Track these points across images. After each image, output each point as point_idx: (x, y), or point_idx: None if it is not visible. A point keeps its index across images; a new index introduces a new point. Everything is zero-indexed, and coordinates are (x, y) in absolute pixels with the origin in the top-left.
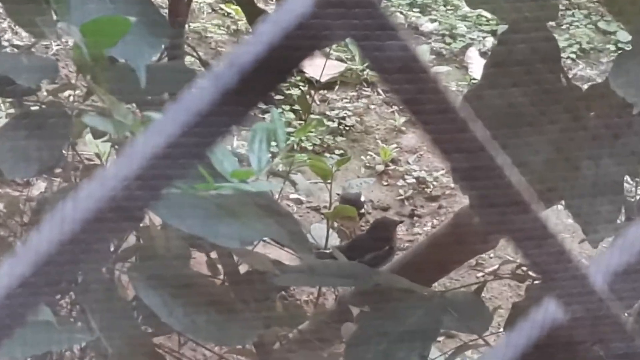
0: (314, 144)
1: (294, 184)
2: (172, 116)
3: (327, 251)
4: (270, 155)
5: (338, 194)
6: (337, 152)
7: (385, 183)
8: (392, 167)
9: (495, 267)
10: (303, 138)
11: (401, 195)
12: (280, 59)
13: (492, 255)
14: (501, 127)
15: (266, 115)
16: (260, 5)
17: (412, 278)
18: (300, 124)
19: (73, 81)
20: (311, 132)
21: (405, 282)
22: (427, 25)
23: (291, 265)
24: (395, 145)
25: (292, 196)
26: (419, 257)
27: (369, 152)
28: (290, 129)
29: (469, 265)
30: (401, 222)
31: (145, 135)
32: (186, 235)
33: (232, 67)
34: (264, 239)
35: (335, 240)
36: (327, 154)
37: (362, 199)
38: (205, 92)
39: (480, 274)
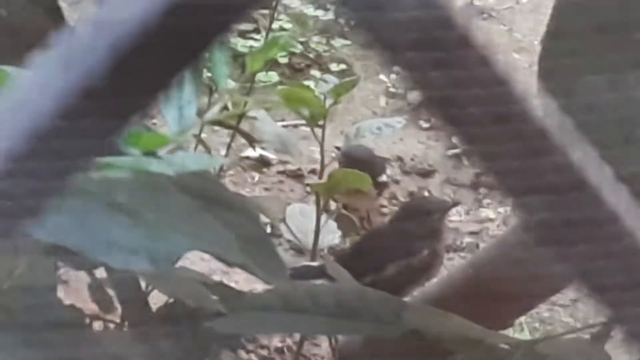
0: (291, 53)
1: (250, 139)
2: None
3: (316, 263)
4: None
5: (338, 148)
6: (334, 67)
7: (425, 125)
8: None
9: None
10: None
11: (456, 147)
12: None
13: None
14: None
15: None
16: None
17: (475, 314)
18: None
19: None
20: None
21: (462, 324)
22: None
23: (249, 294)
24: None
25: (248, 152)
26: (488, 270)
27: (395, 67)
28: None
29: None
30: (456, 204)
31: None
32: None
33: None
34: None
35: (333, 235)
36: (315, 72)
37: (383, 157)
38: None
39: None
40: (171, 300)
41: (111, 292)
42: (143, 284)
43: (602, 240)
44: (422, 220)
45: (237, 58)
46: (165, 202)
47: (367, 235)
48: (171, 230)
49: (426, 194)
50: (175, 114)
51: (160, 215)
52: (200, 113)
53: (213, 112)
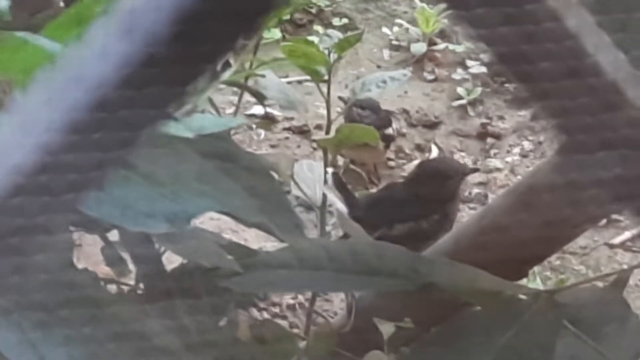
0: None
1: (260, 97)
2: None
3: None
4: None
5: (341, 99)
6: (336, 22)
7: (430, 77)
8: (441, 45)
9: None
10: None
11: (461, 98)
12: None
13: None
14: None
15: None
16: None
17: (490, 266)
18: None
19: None
20: None
21: (480, 275)
22: None
23: (264, 253)
24: (445, 6)
25: (254, 109)
26: (503, 219)
27: (397, 19)
28: None
29: (595, 228)
30: (475, 170)
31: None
32: None
33: None
34: None
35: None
36: (318, 27)
37: (388, 110)
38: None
39: (617, 252)
40: (185, 260)
41: (124, 255)
42: (157, 245)
43: None
44: (438, 184)
45: None
46: (181, 163)
47: (382, 191)
48: (188, 192)
49: (433, 146)
50: None
51: (177, 177)
52: None
53: (228, 78)
